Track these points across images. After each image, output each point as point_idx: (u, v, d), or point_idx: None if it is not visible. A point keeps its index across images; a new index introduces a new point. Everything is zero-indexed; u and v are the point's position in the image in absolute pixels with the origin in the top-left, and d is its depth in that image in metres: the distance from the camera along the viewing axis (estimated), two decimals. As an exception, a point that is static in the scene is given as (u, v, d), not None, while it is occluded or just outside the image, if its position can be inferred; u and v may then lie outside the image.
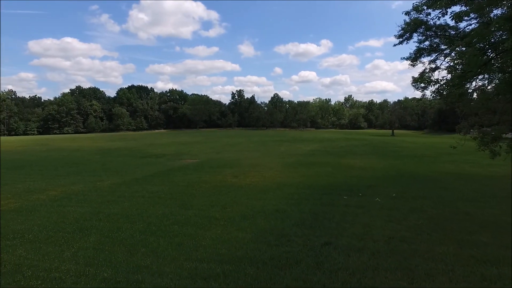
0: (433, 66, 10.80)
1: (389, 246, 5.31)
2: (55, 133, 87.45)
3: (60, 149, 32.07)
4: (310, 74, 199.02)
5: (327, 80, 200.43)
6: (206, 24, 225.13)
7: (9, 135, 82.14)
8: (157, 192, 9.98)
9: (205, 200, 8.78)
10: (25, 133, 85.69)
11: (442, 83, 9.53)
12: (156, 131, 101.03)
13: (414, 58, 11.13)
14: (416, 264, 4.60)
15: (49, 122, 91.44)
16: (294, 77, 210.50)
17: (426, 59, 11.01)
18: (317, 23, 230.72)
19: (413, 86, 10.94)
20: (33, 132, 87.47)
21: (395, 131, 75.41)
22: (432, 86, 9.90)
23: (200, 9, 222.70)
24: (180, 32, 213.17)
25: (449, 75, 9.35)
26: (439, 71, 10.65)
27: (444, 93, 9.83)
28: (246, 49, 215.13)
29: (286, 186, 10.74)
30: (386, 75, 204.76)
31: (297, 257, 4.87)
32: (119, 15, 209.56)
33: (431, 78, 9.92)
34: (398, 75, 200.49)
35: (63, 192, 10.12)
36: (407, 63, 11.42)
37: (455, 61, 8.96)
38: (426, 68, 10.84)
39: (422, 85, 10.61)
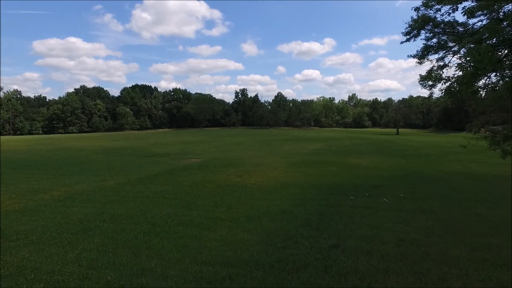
0: (441, 63, 10.62)
1: (399, 249, 5.15)
2: (60, 133, 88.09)
3: (64, 148, 32.22)
4: (314, 73, 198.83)
5: (330, 78, 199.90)
6: (209, 23, 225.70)
7: (14, 134, 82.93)
8: (161, 192, 9.90)
9: (210, 201, 8.68)
10: (30, 133, 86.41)
11: (453, 80, 9.33)
12: (160, 130, 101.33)
13: (421, 55, 10.93)
14: (428, 268, 4.45)
15: (54, 122, 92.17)
16: (298, 75, 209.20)
17: (433, 57, 10.83)
18: (320, 22, 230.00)
19: (421, 84, 10.77)
20: (38, 132, 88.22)
21: (400, 129, 74.80)
22: (443, 84, 9.71)
23: (203, 8, 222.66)
24: (183, 31, 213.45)
25: (460, 73, 9.15)
26: (447, 69, 10.47)
27: (455, 91, 9.63)
28: (249, 48, 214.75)
29: (291, 186, 10.61)
30: (390, 73, 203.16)
31: (304, 260, 4.74)
32: (122, 14, 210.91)
33: (442, 75, 9.73)
34: (402, 73, 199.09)
35: (67, 192, 10.09)
36: (411, 61, 11.41)
37: (466, 58, 8.76)
38: (433, 66, 10.67)
39: (430, 83, 10.43)
